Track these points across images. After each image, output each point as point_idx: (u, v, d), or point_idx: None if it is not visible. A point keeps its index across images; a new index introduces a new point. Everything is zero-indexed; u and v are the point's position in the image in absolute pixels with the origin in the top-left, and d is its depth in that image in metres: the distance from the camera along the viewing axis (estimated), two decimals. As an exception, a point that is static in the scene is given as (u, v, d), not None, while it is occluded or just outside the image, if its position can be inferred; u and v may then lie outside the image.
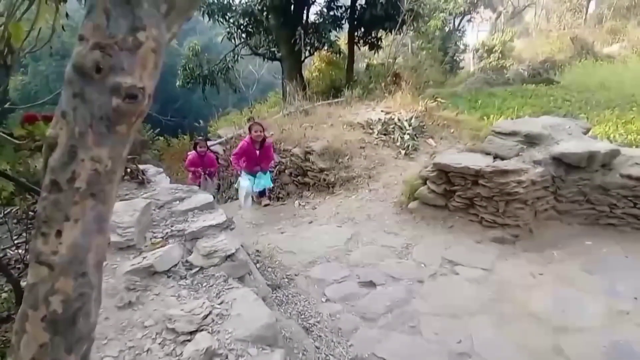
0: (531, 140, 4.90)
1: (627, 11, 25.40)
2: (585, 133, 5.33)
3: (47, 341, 0.89)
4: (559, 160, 4.60)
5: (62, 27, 2.31)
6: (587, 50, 19.33)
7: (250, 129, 6.37)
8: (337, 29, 13.91)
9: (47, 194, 0.86)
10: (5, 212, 2.93)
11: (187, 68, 14.26)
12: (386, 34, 13.83)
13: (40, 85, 20.55)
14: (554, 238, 4.44)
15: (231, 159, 6.68)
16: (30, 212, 2.81)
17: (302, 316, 3.28)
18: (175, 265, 2.38)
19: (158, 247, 2.46)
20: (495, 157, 4.91)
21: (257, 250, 4.35)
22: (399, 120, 8.07)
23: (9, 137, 1.92)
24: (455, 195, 4.92)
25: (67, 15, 2.47)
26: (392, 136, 7.71)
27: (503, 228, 4.56)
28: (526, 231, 4.52)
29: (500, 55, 18.52)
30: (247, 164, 6.38)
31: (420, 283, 3.80)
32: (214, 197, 5.35)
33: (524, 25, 30.88)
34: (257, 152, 6.31)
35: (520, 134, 4.97)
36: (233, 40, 14.11)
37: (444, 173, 5.00)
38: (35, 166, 2.81)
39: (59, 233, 0.86)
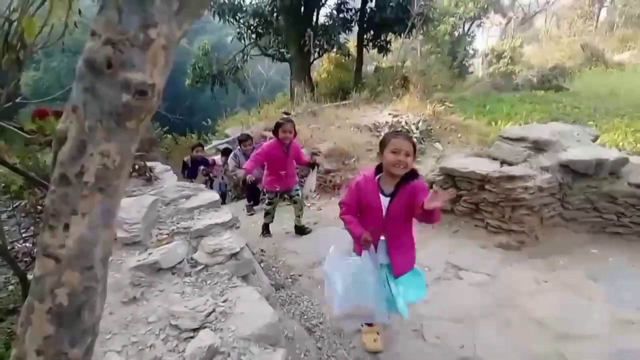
0: (539, 147, 4.88)
1: (638, 19, 25.27)
2: (593, 140, 5.29)
3: (52, 333, 0.90)
4: (566, 167, 4.58)
5: (75, 24, 2.33)
6: (598, 58, 19.25)
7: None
8: (347, 31, 13.94)
9: (55, 187, 0.87)
10: (14, 205, 2.95)
11: (196, 67, 14.36)
12: (395, 37, 13.86)
13: (52, 81, 20.74)
14: (560, 245, 4.41)
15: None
16: (38, 206, 2.83)
17: (305, 317, 3.28)
18: (180, 262, 2.39)
19: (164, 244, 2.47)
20: (503, 162, 4.89)
21: (262, 250, 4.36)
22: (406, 123, 8.07)
23: (19, 131, 1.94)
24: (461, 199, 4.90)
25: (79, 11, 2.49)
26: (399, 139, 7.68)
27: (508, 234, 4.53)
28: (532, 237, 4.50)
29: (509, 61, 18.45)
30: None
31: (424, 287, 3.79)
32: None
33: (534, 31, 30.78)
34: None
35: (528, 140, 4.94)
36: (243, 41, 14.18)
37: (451, 177, 4.99)
38: (45, 160, 2.84)
39: (66, 226, 0.87)
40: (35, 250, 2.39)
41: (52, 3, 1.90)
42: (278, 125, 4.84)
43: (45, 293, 0.89)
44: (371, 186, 2.61)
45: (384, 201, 2.58)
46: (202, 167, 6.64)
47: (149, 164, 3.45)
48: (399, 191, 2.53)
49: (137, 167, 3.28)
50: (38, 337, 0.90)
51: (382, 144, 2.56)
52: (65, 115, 0.89)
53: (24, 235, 2.67)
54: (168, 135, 13.11)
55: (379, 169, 2.62)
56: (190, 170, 6.78)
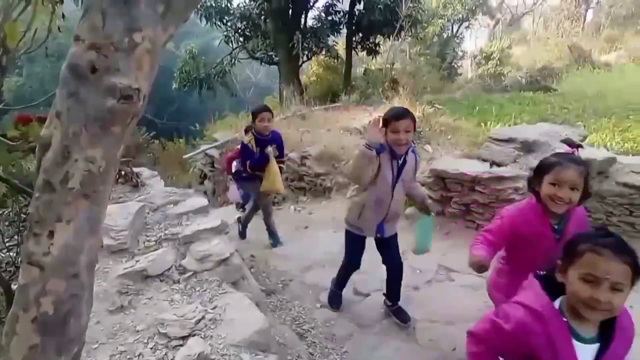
0: (528, 147, 4.91)
1: (624, 20, 25.64)
2: (582, 141, 5.34)
3: (38, 343, 0.88)
4: (555, 168, 4.60)
5: (59, 29, 2.30)
6: (585, 59, 19.45)
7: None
8: (335, 33, 13.94)
9: (39, 194, 0.85)
10: (-2, 213, 2.90)
11: (183, 71, 14.24)
12: (384, 39, 13.88)
13: (35, 87, 20.47)
14: (550, 245, 4.43)
15: None
16: (22, 214, 2.78)
17: (297, 322, 3.26)
18: (169, 269, 2.37)
19: (151, 251, 2.45)
20: (492, 163, 4.92)
21: (252, 255, 4.33)
22: (396, 125, 8.08)
23: (2, 138, 1.91)
24: (452, 201, 4.92)
25: (63, 16, 2.46)
26: (389, 142, 7.72)
27: (499, 234, 4.54)
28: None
29: (498, 62, 18.56)
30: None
31: (415, 289, 3.79)
32: None
33: (522, 33, 31.03)
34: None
35: (517, 140, 4.97)
36: (230, 44, 14.11)
37: (441, 179, 5.00)
38: (29, 168, 2.79)
39: (51, 234, 0.85)
40: (19, 259, 2.35)
41: (36, 8, 1.88)
42: (546, 167, 2.08)
43: (30, 302, 0.87)
44: None
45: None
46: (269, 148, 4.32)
47: (135, 169, 3.41)
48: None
49: (123, 173, 3.25)
50: (23, 346, 0.88)
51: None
52: (49, 121, 0.88)
53: (7, 244, 2.62)
54: (155, 141, 12.98)
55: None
56: (258, 159, 4.30)
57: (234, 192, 5.76)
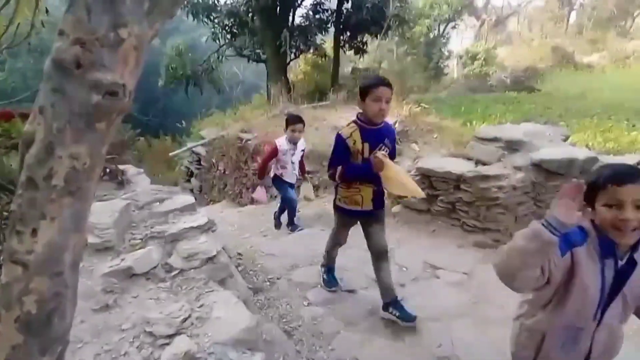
0: (512, 147, 4.97)
1: (606, 22, 26.14)
2: (564, 140, 5.43)
3: (21, 342, 0.87)
4: (539, 166, 4.67)
5: (42, 24, 2.27)
6: (568, 60, 19.79)
7: None
8: (323, 32, 13.93)
9: (22, 191, 0.84)
10: (-21, 211, 2.85)
11: (170, 68, 14.08)
12: (372, 38, 13.92)
13: (17, 82, 20.11)
14: (534, 243, 4.50)
15: None
16: (4, 212, 2.74)
17: (284, 320, 3.26)
18: (155, 267, 2.35)
19: (137, 249, 2.42)
20: (477, 162, 4.97)
21: (239, 253, 4.31)
22: (383, 124, 8.13)
23: (-16, 134, 1.87)
24: (438, 199, 4.96)
25: (47, 11, 2.43)
26: (376, 140, 7.76)
27: (484, 233, 4.61)
28: (507, 236, 4.57)
29: (483, 63, 18.78)
30: None
31: (401, 287, 3.81)
32: None
33: (507, 34, 31.45)
34: None
35: (501, 140, 5.04)
36: (217, 41, 14.01)
37: (427, 177, 5.04)
38: (11, 164, 2.75)
39: (34, 231, 0.84)
40: (0, 257, 2.31)
41: (18, 2, 1.85)
42: None
43: (13, 301, 0.86)
44: None
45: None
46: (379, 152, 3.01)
47: (120, 167, 3.38)
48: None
49: (108, 170, 3.21)
50: (6, 346, 0.87)
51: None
52: (32, 116, 0.86)
53: (-10, 241, 2.57)
54: (141, 138, 12.86)
55: None
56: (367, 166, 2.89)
57: (261, 192, 5.35)
